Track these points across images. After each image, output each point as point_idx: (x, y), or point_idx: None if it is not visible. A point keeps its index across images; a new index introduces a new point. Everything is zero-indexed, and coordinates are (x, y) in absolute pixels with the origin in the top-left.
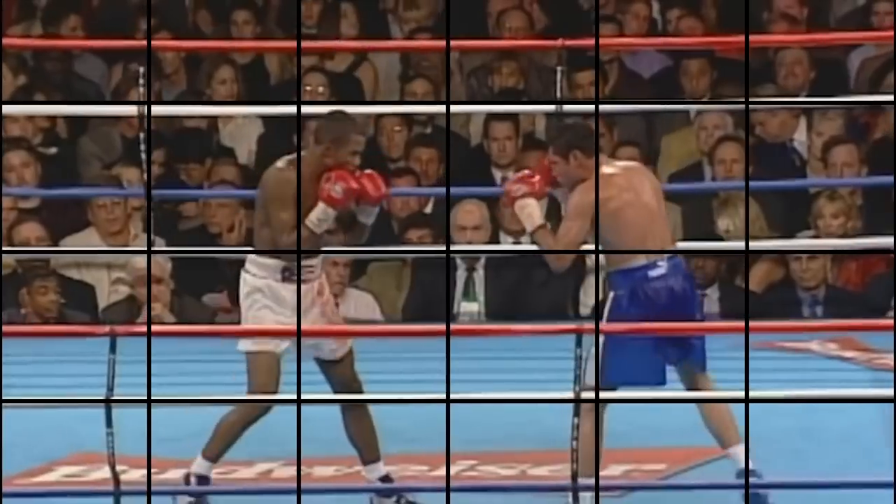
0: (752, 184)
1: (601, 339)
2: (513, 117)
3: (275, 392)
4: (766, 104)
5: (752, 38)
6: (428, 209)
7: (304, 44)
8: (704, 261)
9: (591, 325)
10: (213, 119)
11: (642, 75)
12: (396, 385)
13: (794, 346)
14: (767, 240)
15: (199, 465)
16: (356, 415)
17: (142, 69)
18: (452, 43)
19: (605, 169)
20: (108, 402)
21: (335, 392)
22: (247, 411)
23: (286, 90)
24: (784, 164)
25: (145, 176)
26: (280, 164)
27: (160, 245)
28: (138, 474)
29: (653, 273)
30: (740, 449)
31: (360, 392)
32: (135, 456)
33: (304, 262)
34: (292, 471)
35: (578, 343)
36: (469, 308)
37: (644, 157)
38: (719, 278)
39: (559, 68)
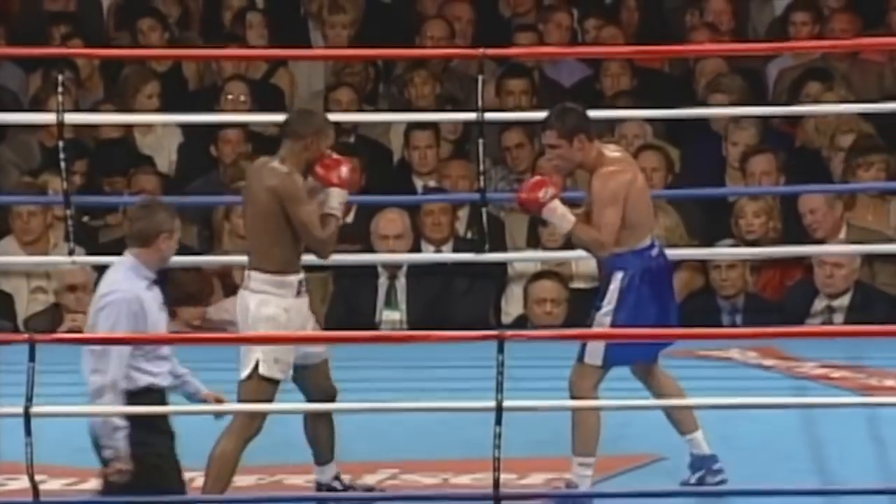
0: (671, 192)
1: (608, 319)
2: (433, 125)
3: (263, 421)
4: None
5: (674, 48)
6: (349, 219)
7: (227, 51)
8: None
9: (511, 332)
10: (131, 128)
11: (563, 84)
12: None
13: (715, 354)
14: (688, 248)
15: None
16: (320, 416)
17: (60, 77)
18: (373, 52)
19: (615, 154)
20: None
21: (310, 397)
22: (243, 435)
23: (204, 98)
24: (710, 168)
25: (65, 184)
26: (279, 168)
27: (80, 255)
28: (58, 484)
29: (654, 252)
30: (699, 435)
31: (336, 393)
32: (56, 465)
33: (299, 277)
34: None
35: (500, 350)
36: (391, 316)
37: None
38: None
39: (480, 77)
